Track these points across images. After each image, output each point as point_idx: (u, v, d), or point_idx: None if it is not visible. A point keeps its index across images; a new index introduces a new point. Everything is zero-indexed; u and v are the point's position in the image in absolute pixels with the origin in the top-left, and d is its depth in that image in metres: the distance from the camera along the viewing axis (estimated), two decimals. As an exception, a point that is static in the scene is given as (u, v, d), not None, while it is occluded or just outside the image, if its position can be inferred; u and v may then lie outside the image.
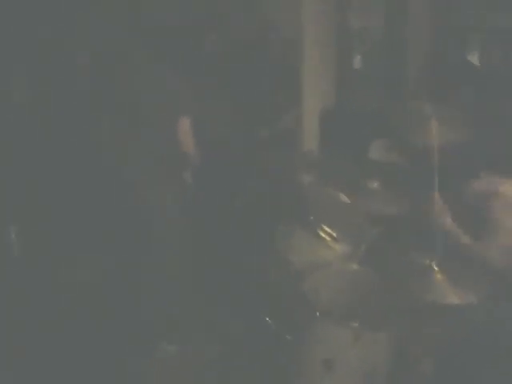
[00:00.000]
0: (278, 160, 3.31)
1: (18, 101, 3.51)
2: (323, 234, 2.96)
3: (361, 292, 2.71)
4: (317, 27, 4.22)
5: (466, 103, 3.44)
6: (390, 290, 2.64)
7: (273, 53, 4.33)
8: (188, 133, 3.08)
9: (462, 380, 2.63)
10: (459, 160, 3.16)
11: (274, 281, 3.05)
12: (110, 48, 3.44)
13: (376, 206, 3.01)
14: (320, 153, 4.06)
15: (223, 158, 3.61)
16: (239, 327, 3.22)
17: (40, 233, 3.44)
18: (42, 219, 3.43)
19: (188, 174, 3.24)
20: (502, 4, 3.84)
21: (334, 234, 2.94)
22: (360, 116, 4.10)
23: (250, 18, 4.25)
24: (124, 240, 3.33)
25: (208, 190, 3.48)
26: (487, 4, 3.94)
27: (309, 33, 4.19)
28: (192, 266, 3.33)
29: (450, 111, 3.08)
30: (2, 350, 3.05)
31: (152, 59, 3.12)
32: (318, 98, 4.25)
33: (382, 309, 2.63)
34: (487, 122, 3.10)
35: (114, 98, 3.18)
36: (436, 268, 2.48)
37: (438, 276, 2.49)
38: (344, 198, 2.96)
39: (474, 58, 3.88)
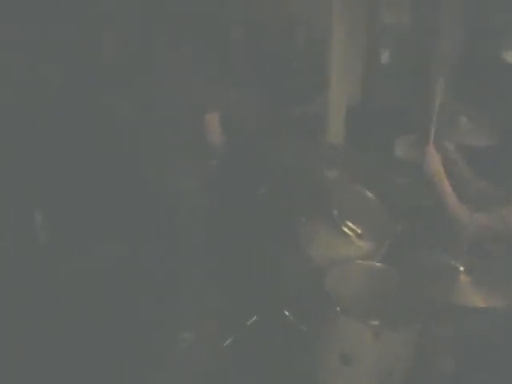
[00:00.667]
0: (304, 153, 3.28)
1: (44, 86, 3.53)
2: (347, 230, 2.94)
3: (382, 289, 2.69)
4: (345, 22, 4.18)
5: (497, 102, 3.38)
6: (412, 288, 2.62)
7: (300, 47, 4.30)
8: (214, 121, 3.06)
9: (482, 382, 2.61)
10: (488, 159, 3.12)
11: (295, 275, 3.04)
12: (136, 35, 3.43)
13: (401, 203, 2.99)
14: (345, 148, 4.04)
15: (248, 148, 3.60)
16: (258, 320, 3.22)
17: (64, 219, 3.46)
18: (66, 206, 3.45)
19: (212, 162, 3.23)
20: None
21: (358, 230, 2.92)
22: (386, 112, 4.07)
23: (278, 10, 4.22)
24: (144, 228, 3.33)
25: (231, 180, 3.47)
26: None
27: (337, 27, 4.15)
28: (212, 256, 3.33)
29: (480, 110, 3.04)
30: (21, 335, 3.08)
31: (178, 47, 3.11)
32: (344, 93, 4.22)
33: (403, 307, 2.60)
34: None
35: (140, 85, 3.17)
36: (461, 269, 2.45)
37: (463, 277, 2.46)
38: (369, 194, 2.94)
39: (509, 57, 3.80)
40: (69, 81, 3.53)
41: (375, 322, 2.50)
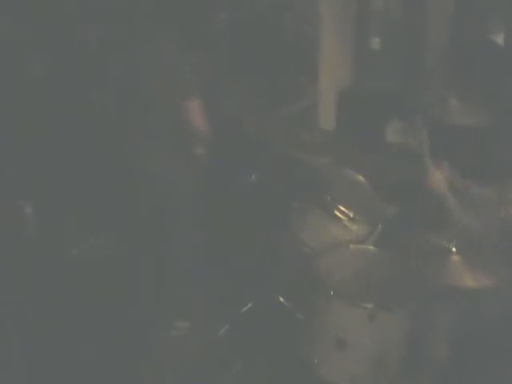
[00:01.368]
0: (295, 138, 3.28)
1: (33, 78, 3.51)
2: (339, 214, 2.94)
3: (376, 272, 2.70)
4: (335, 7, 4.17)
5: (487, 84, 3.39)
6: (405, 271, 2.63)
7: (290, 32, 4.28)
8: (200, 110, 3.05)
9: (476, 363, 2.62)
10: (477, 141, 3.13)
11: (288, 260, 3.04)
12: (121, 25, 3.42)
13: (392, 187, 3.00)
14: (337, 132, 4.04)
15: (238, 135, 3.59)
16: (252, 305, 3.22)
17: (54, 210, 3.45)
18: (54, 200, 3.44)
19: (202, 151, 3.22)
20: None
21: (351, 214, 2.92)
22: (377, 96, 4.06)
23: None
24: (136, 218, 3.33)
25: (222, 167, 3.46)
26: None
27: (327, 13, 4.14)
28: (205, 243, 3.32)
29: (471, 92, 3.04)
30: (17, 326, 3.07)
31: (164, 37, 3.09)
32: (335, 79, 4.21)
33: (397, 289, 2.61)
34: (508, 102, 3.06)
35: (126, 75, 3.16)
36: (454, 250, 2.46)
37: (456, 258, 2.46)
38: (360, 178, 2.94)
39: (499, 39, 3.80)
40: (53, 75, 3.51)
41: (369, 305, 2.51)
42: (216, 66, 3.61)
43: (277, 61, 4.12)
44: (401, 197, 3.01)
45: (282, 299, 3.04)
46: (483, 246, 2.52)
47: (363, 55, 4.38)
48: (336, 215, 2.94)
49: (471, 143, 3.15)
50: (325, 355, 2.64)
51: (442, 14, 4.11)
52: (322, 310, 2.65)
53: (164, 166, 3.13)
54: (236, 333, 3.17)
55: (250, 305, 3.22)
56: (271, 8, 4.25)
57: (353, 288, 2.62)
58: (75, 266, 3.39)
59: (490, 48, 3.80)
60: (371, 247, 2.82)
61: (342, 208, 2.94)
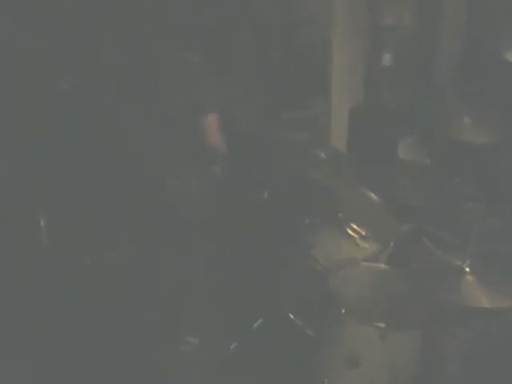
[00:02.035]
0: (308, 155, 3.28)
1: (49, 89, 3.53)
2: (351, 232, 2.93)
3: (388, 291, 2.68)
4: (347, 23, 4.18)
5: (499, 102, 3.38)
6: (418, 290, 2.61)
7: (302, 49, 4.30)
8: (215, 124, 3.05)
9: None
10: (491, 159, 3.12)
11: (300, 277, 3.03)
12: (135, 36, 3.44)
13: (406, 205, 2.98)
14: (349, 150, 4.03)
15: (250, 150, 3.59)
16: (263, 322, 3.21)
17: (68, 221, 3.46)
18: (70, 209, 3.45)
19: (216, 166, 3.22)
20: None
21: (363, 232, 2.91)
22: (389, 114, 4.06)
23: (280, 11, 4.22)
24: (148, 231, 3.33)
25: (234, 182, 3.46)
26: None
27: (339, 28, 4.15)
28: (217, 260, 3.32)
29: (482, 110, 3.04)
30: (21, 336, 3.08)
31: (177, 47, 3.11)
32: (346, 96, 4.21)
33: (410, 309, 2.59)
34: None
35: (141, 87, 3.17)
36: (467, 269, 2.44)
37: (469, 278, 2.44)
38: (373, 196, 2.93)
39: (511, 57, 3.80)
40: (65, 84, 3.53)
41: (382, 324, 2.48)
42: (230, 81, 3.63)
43: (287, 78, 4.13)
44: (413, 215, 3.00)
45: (292, 316, 3.03)
46: (498, 265, 2.50)
47: (375, 72, 4.39)
48: (348, 233, 2.93)
49: (484, 161, 3.15)
50: (335, 375, 2.62)
51: (455, 32, 4.12)
52: (332, 329, 2.63)
53: (178, 179, 3.13)
54: (246, 349, 3.15)
55: (260, 321, 3.21)
56: (285, 22, 4.28)
57: (364, 306, 2.60)
58: (85, 277, 3.40)
59: (503, 66, 3.80)
60: (383, 265, 2.80)
61: (354, 226, 2.93)
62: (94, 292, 3.28)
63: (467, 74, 3.95)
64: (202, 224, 3.22)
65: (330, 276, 2.70)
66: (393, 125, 3.87)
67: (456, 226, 2.63)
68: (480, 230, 2.48)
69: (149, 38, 3.35)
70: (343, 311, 2.53)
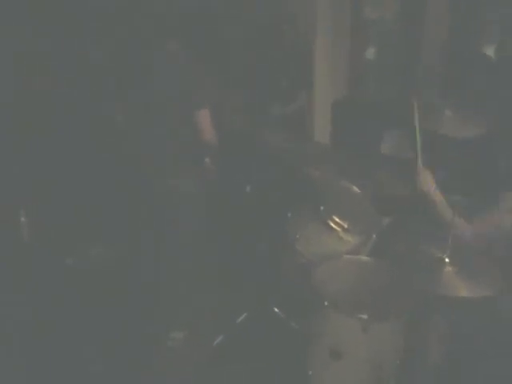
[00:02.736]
0: (290, 150, 3.29)
1: (32, 88, 3.53)
2: (334, 225, 2.95)
3: (370, 283, 2.70)
4: (331, 17, 4.19)
5: (480, 95, 3.40)
6: (399, 281, 2.63)
7: (287, 42, 4.31)
8: (206, 119, 3.05)
9: (469, 372, 2.62)
10: (472, 151, 3.14)
11: (283, 270, 3.04)
12: (129, 36, 3.45)
13: (387, 197, 3.00)
14: (331, 143, 4.05)
15: (235, 146, 3.60)
16: (247, 316, 3.22)
17: (54, 221, 3.46)
18: (56, 207, 3.45)
19: (206, 160, 3.23)
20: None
21: (345, 225, 2.93)
22: (372, 107, 4.08)
23: (266, 7, 4.23)
24: (135, 227, 3.34)
25: (220, 178, 3.47)
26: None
27: (323, 23, 4.17)
28: (201, 254, 3.33)
29: (464, 103, 3.05)
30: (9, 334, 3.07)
31: (171, 47, 3.11)
32: (330, 89, 4.23)
33: (391, 300, 2.61)
34: (500, 113, 3.07)
35: (134, 86, 3.17)
36: (447, 260, 2.46)
37: (449, 268, 2.47)
38: (355, 188, 2.95)
39: (491, 51, 3.83)
40: (59, 84, 3.53)
41: (364, 316, 2.50)
42: (218, 76, 3.63)
43: (271, 72, 4.14)
44: (395, 208, 3.02)
45: (276, 310, 3.05)
46: (477, 256, 2.53)
47: (359, 65, 4.41)
48: (330, 226, 2.95)
49: (465, 154, 3.17)
50: (319, 366, 2.63)
51: (437, 25, 4.15)
52: (316, 321, 2.65)
53: (170, 176, 3.13)
54: (230, 343, 3.16)
55: (244, 315, 3.22)
56: (269, 18, 4.28)
57: (347, 298, 2.62)
58: (72, 274, 3.40)
59: (483, 60, 3.83)
60: (365, 258, 2.82)
61: (337, 219, 2.95)
62: (77, 289, 3.29)
63: (449, 69, 3.98)
64: (184, 219, 3.23)
65: (313, 269, 2.72)
66: (376, 118, 3.89)
67: (435, 218, 2.65)
68: (458, 222, 2.51)
69: (136, 35, 3.35)
70: (326, 304, 2.55)
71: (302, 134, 4.15)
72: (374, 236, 2.89)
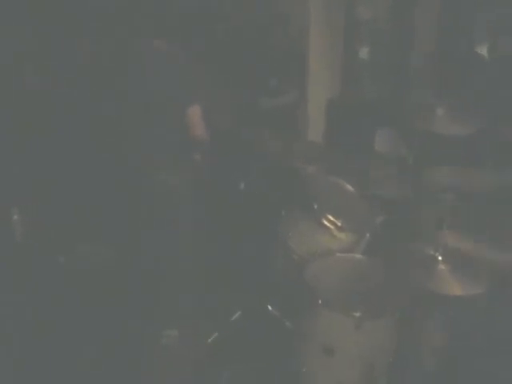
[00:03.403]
0: (284, 148, 3.30)
1: (26, 87, 3.52)
2: (327, 223, 2.95)
3: (363, 281, 2.71)
4: (324, 17, 4.20)
5: (473, 94, 3.43)
6: (392, 279, 2.64)
7: (280, 42, 4.31)
8: (197, 115, 3.05)
9: (462, 370, 2.64)
10: (464, 150, 3.16)
11: (276, 268, 3.04)
12: (121, 35, 3.44)
13: (381, 196, 3.01)
14: (325, 141, 4.06)
15: (228, 144, 3.60)
16: (240, 314, 3.23)
17: (45, 219, 3.45)
18: (47, 205, 3.44)
19: (199, 157, 3.23)
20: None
21: (338, 223, 2.94)
22: (365, 106, 4.09)
23: (259, 7, 4.24)
24: (128, 226, 3.33)
25: (211, 175, 3.48)
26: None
27: (317, 22, 4.17)
28: (194, 252, 3.33)
29: (457, 102, 3.07)
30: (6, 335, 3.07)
31: (162, 46, 3.11)
32: (323, 88, 4.24)
33: (384, 298, 2.62)
34: (493, 112, 3.09)
35: (125, 84, 3.17)
36: (440, 258, 2.48)
37: (442, 266, 2.48)
38: (348, 187, 2.96)
39: (483, 50, 3.85)
40: (50, 82, 3.52)
41: (357, 314, 2.51)
42: (212, 75, 3.63)
43: (265, 70, 4.15)
44: (388, 206, 3.03)
45: (270, 307, 3.05)
46: (470, 253, 2.55)
47: (352, 65, 4.42)
48: (324, 224, 2.95)
49: (457, 152, 3.19)
50: (313, 364, 2.64)
51: (430, 25, 4.17)
52: (309, 319, 2.65)
53: (160, 172, 3.13)
54: (224, 341, 3.17)
55: (238, 313, 3.23)
56: (263, 16, 4.29)
57: (340, 296, 2.63)
58: (64, 273, 3.39)
59: (476, 59, 3.85)
60: (359, 256, 2.83)
61: (330, 217, 2.95)
62: (71, 288, 3.29)
63: (442, 68, 4.00)
64: (180, 217, 3.23)
65: (306, 266, 2.72)
66: (369, 116, 3.90)
67: (430, 215, 2.66)
68: (450, 220, 2.52)
69: (125, 31, 3.35)
70: (320, 302, 2.56)
71: (293, 129, 4.16)
72: (368, 234, 2.90)
